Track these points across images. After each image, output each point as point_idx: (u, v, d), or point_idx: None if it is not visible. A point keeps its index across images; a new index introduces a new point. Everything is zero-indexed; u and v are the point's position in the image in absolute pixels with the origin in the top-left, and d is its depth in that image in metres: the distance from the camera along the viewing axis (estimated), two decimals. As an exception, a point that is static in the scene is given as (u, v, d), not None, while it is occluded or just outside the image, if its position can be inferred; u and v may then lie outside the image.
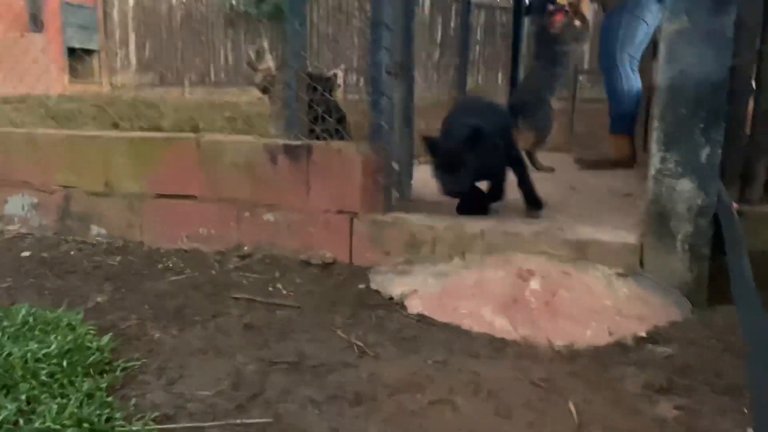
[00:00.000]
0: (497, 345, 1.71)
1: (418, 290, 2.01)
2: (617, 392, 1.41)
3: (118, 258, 2.51)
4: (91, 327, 1.75)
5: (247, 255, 2.44)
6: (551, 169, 3.50)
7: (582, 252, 1.98)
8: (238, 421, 1.32)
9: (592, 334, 1.72)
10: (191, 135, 2.53)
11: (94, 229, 2.74)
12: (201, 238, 2.54)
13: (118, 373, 1.52)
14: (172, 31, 12.69)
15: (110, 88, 12.70)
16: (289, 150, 2.33)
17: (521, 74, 4.65)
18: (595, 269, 1.94)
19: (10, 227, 2.91)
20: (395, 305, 1.98)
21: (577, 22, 3.39)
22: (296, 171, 2.33)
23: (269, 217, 2.41)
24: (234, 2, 11.55)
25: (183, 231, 2.56)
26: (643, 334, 1.71)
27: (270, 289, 2.13)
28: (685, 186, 1.83)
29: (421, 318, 1.89)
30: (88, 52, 12.54)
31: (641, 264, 1.92)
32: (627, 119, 3.53)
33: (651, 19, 3.46)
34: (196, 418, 1.34)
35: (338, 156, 2.26)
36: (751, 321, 1.38)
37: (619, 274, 1.92)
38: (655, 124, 1.84)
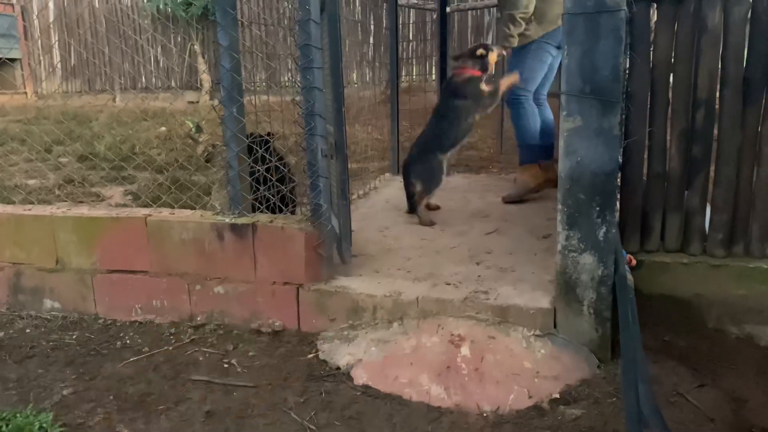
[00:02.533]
0: (434, 415, 1.95)
1: (362, 359, 2.23)
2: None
3: (75, 335, 2.62)
4: (61, 429, 1.90)
5: (201, 325, 2.60)
6: (432, 223, 3.40)
7: (504, 315, 2.25)
8: None
9: (514, 398, 1.99)
10: (139, 214, 2.65)
11: (48, 303, 2.83)
12: (154, 309, 2.67)
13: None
14: (97, 36, 12.35)
15: (35, 99, 12.30)
16: (235, 228, 2.49)
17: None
18: (516, 331, 2.21)
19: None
20: (342, 375, 2.20)
21: (485, 87, 3.49)
22: (243, 247, 2.50)
23: (219, 289, 2.57)
24: (161, 5, 11.33)
25: (136, 303, 2.69)
26: (557, 395, 1.99)
27: (225, 365, 2.31)
28: (587, 260, 2.10)
29: (366, 389, 2.11)
30: (10, 60, 12.10)
31: (555, 325, 2.20)
32: (534, 150, 3.80)
33: (552, 60, 3.76)
34: None
35: (282, 232, 2.45)
36: (630, 381, 1.69)
37: (537, 336, 2.19)
38: (559, 206, 2.11)
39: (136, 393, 2.14)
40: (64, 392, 2.17)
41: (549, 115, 3.90)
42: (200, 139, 2.84)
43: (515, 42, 3.71)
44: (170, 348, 2.45)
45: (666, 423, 1.59)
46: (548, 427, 1.85)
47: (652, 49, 2.33)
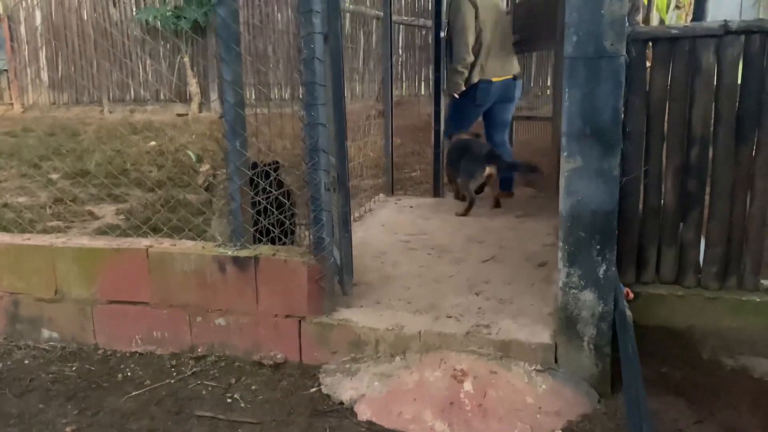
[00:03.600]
0: (438, 452, 1.97)
1: (366, 394, 2.25)
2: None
3: (75, 366, 2.61)
4: (67, 471, 1.90)
5: (202, 357, 2.61)
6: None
7: (506, 350, 2.28)
8: None
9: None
10: (140, 246, 2.66)
11: (46, 333, 2.82)
12: (155, 340, 2.68)
13: None
14: (85, 48, 12.28)
15: (22, 110, 12.21)
16: (237, 261, 2.51)
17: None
18: (518, 366, 2.24)
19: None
20: (345, 411, 2.22)
21: None
22: (245, 279, 2.51)
23: (221, 321, 2.58)
24: (150, 18, 11.30)
25: (136, 334, 2.69)
26: (560, 431, 2.02)
27: (228, 399, 2.31)
28: (588, 296, 2.14)
29: (370, 426, 2.13)
30: (-2, 72, 12.02)
31: (555, 360, 2.23)
32: None
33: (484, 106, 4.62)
34: None
35: (285, 265, 2.47)
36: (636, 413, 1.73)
37: (538, 371, 2.23)
38: (560, 244, 2.15)
39: (140, 430, 2.14)
40: (67, 429, 2.17)
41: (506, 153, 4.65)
42: (201, 169, 2.86)
43: (462, 88, 4.50)
44: (172, 381, 2.46)
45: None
46: (552, 465, 1.88)
47: (648, 88, 2.39)
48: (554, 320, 2.29)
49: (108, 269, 2.68)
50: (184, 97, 11.57)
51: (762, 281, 2.50)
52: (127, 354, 2.69)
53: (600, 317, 2.14)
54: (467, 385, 2.19)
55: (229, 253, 2.53)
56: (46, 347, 2.78)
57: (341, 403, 2.26)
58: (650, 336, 2.51)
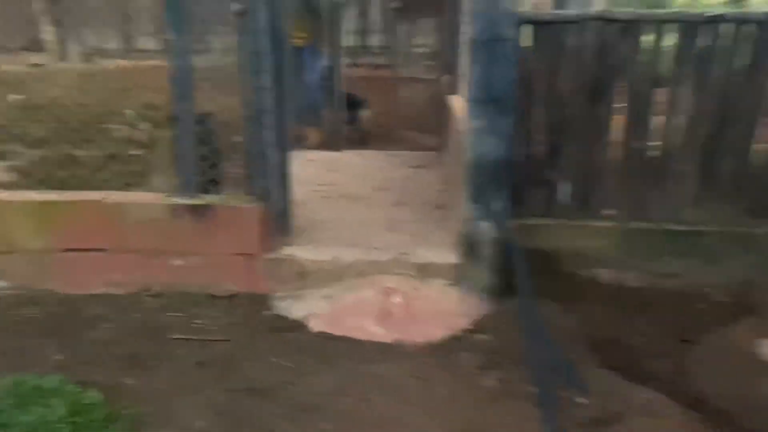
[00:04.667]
0: (381, 348, 2.55)
1: (315, 312, 2.77)
2: (465, 374, 2.34)
3: (37, 309, 2.85)
4: (73, 385, 2.23)
5: (159, 294, 2.96)
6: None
7: (424, 271, 2.89)
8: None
9: (438, 331, 2.64)
10: (95, 197, 2.91)
11: (-2, 282, 3.00)
12: (113, 283, 2.97)
13: (124, 422, 2.07)
14: None
15: None
16: (193, 209, 2.87)
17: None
18: (434, 282, 2.87)
19: None
20: (300, 326, 2.72)
21: None
22: (200, 224, 2.88)
23: (177, 261, 2.94)
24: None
25: (94, 278, 2.97)
26: (470, 327, 2.67)
27: (195, 326, 2.72)
28: (485, 226, 2.79)
29: (323, 334, 2.65)
30: None
31: (462, 276, 2.88)
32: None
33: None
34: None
35: (238, 211, 2.87)
36: (526, 313, 2.41)
37: (450, 285, 2.86)
38: (466, 186, 2.76)
39: (126, 353, 2.50)
40: (56, 357, 2.47)
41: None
42: (141, 127, 3.09)
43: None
44: (139, 315, 2.80)
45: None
46: (467, 348, 2.53)
47: (527, 62, 3.04)
48: (459, 246, 2.91)
49: (63, 220, 2.91)
50: (38, 47, 10.87)
51: (603, 211, 3.30)
52: (87, 296, 2.95)
53: (494, 241, 2.80)
54: (396, 299, 2.77)
55: (185, 202, 2.88)
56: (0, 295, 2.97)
57: (295, 320, 2.75)
58: (527, 256, 3.24)
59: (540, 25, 2.98)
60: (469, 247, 2.84)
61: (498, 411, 2.12)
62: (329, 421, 2.09)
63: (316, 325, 2.70)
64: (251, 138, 2.79)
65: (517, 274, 2.73)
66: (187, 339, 2.61)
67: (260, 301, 2.91)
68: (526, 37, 2.97)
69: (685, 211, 3.26)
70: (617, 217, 3.30)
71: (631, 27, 3.01)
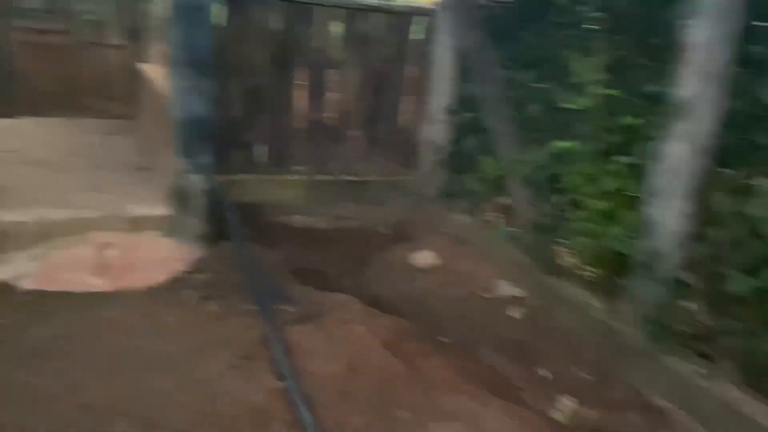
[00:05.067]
0: (103, 297, 2.66)
1: (24, 272, 2.72)
2: (189, 305, 2.63)
3: None
4: None
5: None
6: None
7: (138, 224, 3.05)
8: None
9: (159, 276, 2.86)
10: None
11: None
12: None
13: None
14: None
15: None
16: None
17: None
18: (148, 234, 3.05)
19: None
20: (8, 288, 2.64)
21: None
22: None
23: None
24: None
25: None
26: (188, 270, 2.95)
27: None
28: (195, 178, 3.08)
29: (38, 292, 2.64)
30: None
31: (175, 226, 3.12)
32: None
33: None
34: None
35: None
36: (239, 252, 2.82)
37: (164, 235, 3.08)
38: (175, 141, 3.01)
39: None
40: None
41: None
42: None
43: None
44: None
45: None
46: (188, 287, 2.81)
47: (223, 31, 3.39)
48: (170, 199, 3.14)
49: None
50: None
51: (294, 167, 3.87)
52: None
53: (203, 192, 3.12)
54: (112, 252, 2.90)
55: None
56: None
57: (3, 282, 2.66)
58: (235, 208, 3.62)
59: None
60: (181, 198, 3.10)
61: (225, 326, 2.48)
62: (63, 360, 2.19)
63: (28, 284, 2.67)
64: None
65: (227, 222, 3.10)
66: None
67: (-48, 269, 2.71)
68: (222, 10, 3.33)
69: (356, 166, 4.03)
70: (305, 172, 3.91)
71: (308, 10, 3.60)
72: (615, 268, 2.59)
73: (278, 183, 3.78)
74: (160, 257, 2.98)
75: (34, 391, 2.02)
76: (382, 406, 2.02)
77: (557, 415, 2.29)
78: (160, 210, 3.14)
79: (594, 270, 2.73)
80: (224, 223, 3.19)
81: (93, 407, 1.98)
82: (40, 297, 2.61)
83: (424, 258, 3.33)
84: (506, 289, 3.03)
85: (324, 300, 2.74)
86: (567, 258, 2.93)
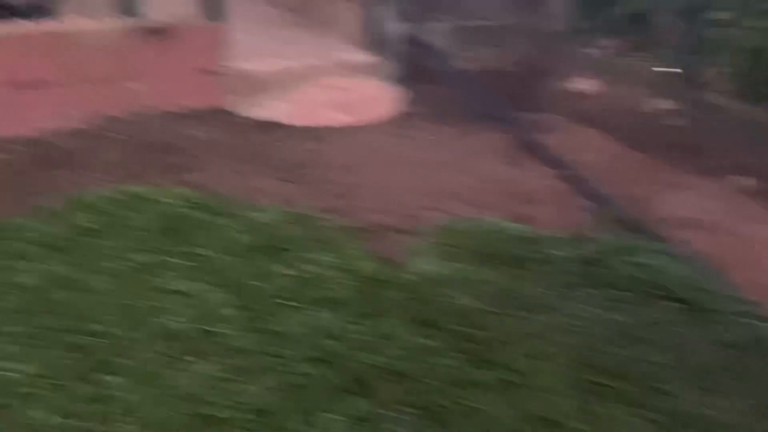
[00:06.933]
0: (354, 129, 3.23)
1: (280, 111, 3.27)
2: (431, 129, 3.22)
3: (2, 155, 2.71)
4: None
5: (120, 120, 3.03)
6: None
7: (354, 70, 3.56)
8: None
9: (386, 111, 3.43)
10: (40, 28, 2.76)
11: None
12: (67, 116, 2.92)
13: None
14: None
15: None
16: (150, 31, 2.96)
17: None
18: (364, 78, 3.57)
19: None
20: (278, 125, 3.20)
21: None
22: (157, 46, 3.00)
23: (134, 86, 3.03)
24: None
25: (45, 114, 2.87)
26: (407, 105, 3.50)
27: (189, 135, 2.98)
28: (395, 27, 3.56)
29: (303, 128, 3.20)
30: None
31: (382, 70, 3.63)
32: None
33: None
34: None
35: (195, 31, 3.06)
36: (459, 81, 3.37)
37: (374, 78, 3.61)
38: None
39: (166, 164, 2.70)
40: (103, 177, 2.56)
41: None
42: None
43: None
44: (124, 137, 2.90)
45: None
46: (417, 118, 3.38)
47: None
48: (374, 46, 3.62)
49: (5, 56, 2.71)
50: None
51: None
52: (43, 134, 2.86)
53: (402, 39, 3.60)
54: (344, 93, 3.44)
55: (141, 24, 2.94)
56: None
57: (270, 121, 3.21)
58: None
59: None
60: (385, 46, 3.59)
61: (475, 140, 3.11)
62: (368, 168, 2.81)
63: (292, 121, 3.23)
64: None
65: (421, 65, 3.62)
66: (199, 143, 2.89)
67: (224, 112, 3.24)
68: None
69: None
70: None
71: None
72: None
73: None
74: (378, 96, 3.52)
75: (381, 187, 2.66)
76: (642, 182, 2.71)
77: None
78: (367, 57, 3.64)
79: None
80: (419, 66, 3.69)
81: (422, 193, 2.62)
82: (303, 131, 3.17)
83: (581, 84, 3.91)
84: (662, 103, 3.65)
85: (539, 118, 3.34)
86: (715, 75, 3.54)
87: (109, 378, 1.59)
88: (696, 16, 3.56)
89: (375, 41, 3.60)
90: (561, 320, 1.89)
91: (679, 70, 3.67)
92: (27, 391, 1.54)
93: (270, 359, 1.69)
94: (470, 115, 3.35)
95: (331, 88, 3.42)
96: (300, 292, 1.97)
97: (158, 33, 2.99)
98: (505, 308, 1.93)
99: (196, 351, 1.70)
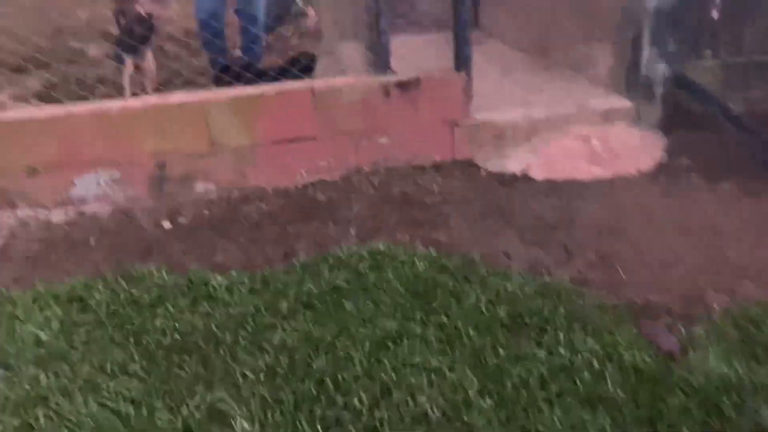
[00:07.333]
0: (604, 183, 2.90)
1: (529, 164, 3.06)
2: (699, 185, 2.77)
3: (262, 205, 2.89)
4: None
5: (369, 173, 3.09)
6: None
7: (606, 117, 3.24)
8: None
9: (643, 163, 3.04)
10: (305, 85, 2.93)
11: (200, 187, 2.98)
12: (321, 169, 3.06)
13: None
14: None
15: None
16: (401, 84, 2.98)
17: None
18: (618, 125, 3.23)
19: (87, 207, 2.91)
20: (523, 177, 3.00)
21: None
22: (407, 99, 3.01)
23: (384, 139, 3.07)
24: None
25: (301, 167, 3.04)
26: (666, 155, 3.08)
27: (433, 189, 2.92)
28: (660, 67, 3.16)
29: (549, 182, 2.96)
30: None
31: (638, 116, 3.26)
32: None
33: None
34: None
35: (442, 82, 3.02)
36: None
37: (629, 125, 3.24)
38: (646, 33, 3.09)
39: (404, 220, 2.67)
40: (351, 232, 2.60)
41: None
42: (310, 14, 3.03)
43: None
44: (372, 191, 2.94)
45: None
46: (679, 170, 2.95)
47: None
48: (631, 89, 3.26)
49: (269, 113, 2.92)
50: None
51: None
52: (298, 186, 3.03)
53: (667, 81, 3.18)
54: (595, 142, 3.12)
55: (393, 79, 2.98)
56: (211, 198, 2.96)
57: (514, 175, 3.02)
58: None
59: None
60: (645, 88, 3.20)
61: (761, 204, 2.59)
62: (642, 233, 2.45)
63: (538, 175, 3.00)
64: (461, 8, 2.90)
65: (684, 108, 3.15)
66: (444, 200, 2.81)
67: (468, 164, 3.14)
68: None
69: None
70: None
71: None
72: None
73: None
74: (635, 145, 3.15)
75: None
76: None
77: None
78: (623, 102, 3.29)
79: None
80: (685, 111, 3.24)
81: (700, 267, 2.21)
82: (557, 185, 2.92)
83: None
84: None
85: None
86: None
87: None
88: None
89: (631, 83, 3.24)
90: None
91: None
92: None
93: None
94: (756, 168, 2.81)
95: (582, 138, 3.14)
96: (558, 384, 1.73)
97: (407, 87, 2.99)
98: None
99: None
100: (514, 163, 3.09)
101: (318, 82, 3.00)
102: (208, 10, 3.96)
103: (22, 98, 4.68)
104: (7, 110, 4.30)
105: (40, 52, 5.38)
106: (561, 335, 1.91)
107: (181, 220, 2.82)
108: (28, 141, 2.76)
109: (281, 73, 3.20)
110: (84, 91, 3.21)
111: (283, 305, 2.11)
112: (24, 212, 2.83)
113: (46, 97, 4.27)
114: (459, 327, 1.96)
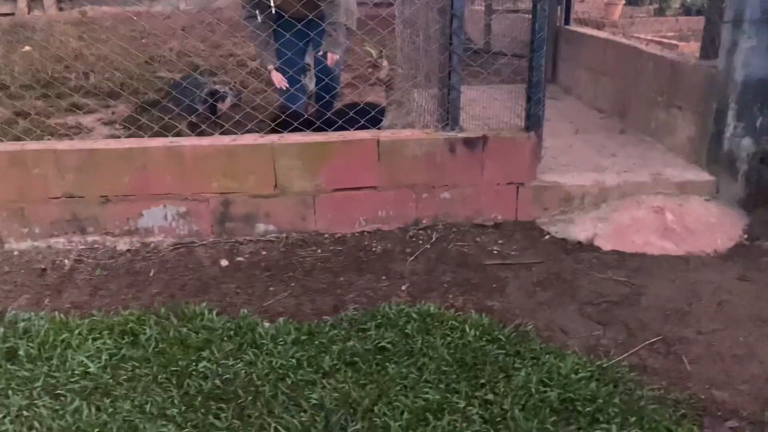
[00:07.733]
0: (676, 260, 2.74)
1: (596, 233, 2.93)
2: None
3: (317, 250, 2.90)
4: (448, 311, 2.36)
5: (427, 227, 3.05)
6: None
7: (682, 189, 3.08)
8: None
9: (720, 242, 2.86)
10: (370, 136, 2.95)
11: (261, 227, 3.02)
12: (380, 219, 3.04)
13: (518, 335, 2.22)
14: None
15: None
16: (467, 142, 2.94)
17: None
18: (694, 198, 3.06)
19: (151, 238, 2.99)
20: (588, 246, 2.88)
21: None
22: (472, 156, 2.97)
23: (445, 194, 3.03)
24: None
25: (361, 216, 3.03)
26: (745, 235, 2.89)
27: (493, 252, 2.84)
28: (747, 142, 2.99)
29: (616, 253, 2.82)
30: None
31: (717, 191, 3.08)
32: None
33: None
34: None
35: (510, 141, 2.96)
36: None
37: (707, 200, 3.07)
38: (731, 104, 2.93)
39: (451, 279, 2.60)
40: (402, 288, 2.56)
41: None
42: (383, 65, 3.08)
43: None
44: (428, 246, 2.89)
45: None
46: (757, 253, 2.75)
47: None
48: (713, 163, 3.09)
49: (334, 160, 2.94)
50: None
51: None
52: (355, 234, 3.01)
53: (752, 156, 3.00)
54: (668, 216, 2.96)
55: (460, 135, 2.95)
56: (270, 239, 2.99)
57: (579, 242, 2.90)
58: None
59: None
60: (728, 163, 3.03)
61: None
62: (712, 320, 2.29)
63: (605, 245, 2.87)
64: (536, 69, 2.86)
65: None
66: (501, 264, 2.73)
67: (530, 227, 3.05)
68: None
69: None
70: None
71: None
72: None
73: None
74: (712, 222, 2.97)
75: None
76: None
77: None
78: (702, 175, 3.13)
79: None
80: (766, 188, 3.04)
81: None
82: (624, 258, 2.78)
83: None
84: None
85: None
86: None
87: None
88: None
89: (712, 156, 3.08)
90: None
91: None
92: None
93: None
94: None
95: (655, 209, 2.98)
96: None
97: (473, 144, 2.95)
98: None
99: None
100: (580, 229, 2.97)
101: (384, 134, 3.00)
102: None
103: (110, 123, 4.96)
104: (93, 135, 4.57)
105: (132, 79, 5.73)
106: (614, 428, 1.78)
107: (239, 258, 2.85)
108: (104, 171, 2.88)
109: (349, 122, 3.22)
110: (166, 117, 3.34)
111: (326, 360, 2.07)
112: (92, 238, 2.94)
113: (132, 122, 4.50)
114: (505, 407, 1.86)
